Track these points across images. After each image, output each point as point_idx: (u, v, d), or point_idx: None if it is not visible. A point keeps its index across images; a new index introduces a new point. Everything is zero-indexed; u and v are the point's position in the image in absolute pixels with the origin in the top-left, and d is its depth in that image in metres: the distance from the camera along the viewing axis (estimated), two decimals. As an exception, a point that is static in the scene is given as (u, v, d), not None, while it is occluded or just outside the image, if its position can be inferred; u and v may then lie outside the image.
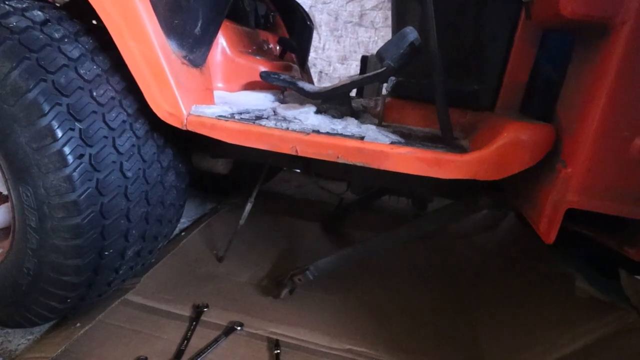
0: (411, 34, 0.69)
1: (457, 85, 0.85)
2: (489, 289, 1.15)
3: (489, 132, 0.69)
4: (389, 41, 0.71)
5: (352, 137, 0.72)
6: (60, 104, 0.69)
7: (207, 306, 0.97)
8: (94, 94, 0.74)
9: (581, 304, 0.86)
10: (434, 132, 0.89)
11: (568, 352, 0.83)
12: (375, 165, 0.68)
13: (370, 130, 0.75)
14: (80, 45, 0.77)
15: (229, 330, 0.91)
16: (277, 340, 0.89)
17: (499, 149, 0.62)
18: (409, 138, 0.78)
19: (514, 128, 0.63)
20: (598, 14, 0.53)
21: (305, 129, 0.74)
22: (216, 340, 0.87)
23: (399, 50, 0.69)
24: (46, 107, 0.67)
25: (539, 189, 0.65)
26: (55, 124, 0.68)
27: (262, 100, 1.04)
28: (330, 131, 0.75)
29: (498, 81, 0.81)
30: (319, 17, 3.15)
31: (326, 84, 3.26)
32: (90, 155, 0.72)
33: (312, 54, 3.13)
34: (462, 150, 0.71)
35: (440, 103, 0.75)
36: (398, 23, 0.91)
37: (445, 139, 0.77)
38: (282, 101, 1.06)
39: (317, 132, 0.74)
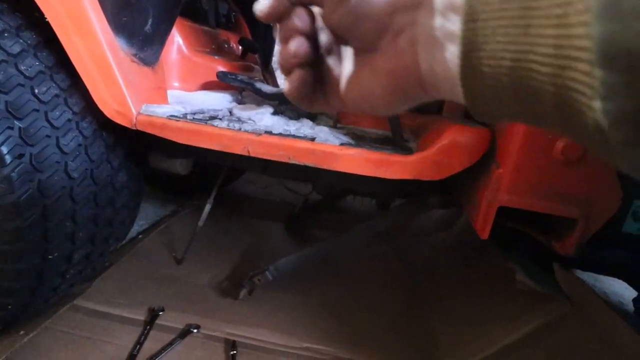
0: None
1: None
2: (443, 284, 1.20)
3: (433, 135, 0.73)
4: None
5: (303, 138, 0.74)
6: (-3, 102, 0.66)
7: (162, 309, 0.95)
8: (36, 91, 0.71)
9: (522, 296, 0.91)
10: (386, 134, 0.92)
11: (512, 340, 0.88)
12: (325, 165, 0.70)
13: (322, 132, 0.77)
14: (21, 40, 0.73)
15: (184, 332, 0.90)
16: (234, 342, 0.89)
17: (439, 150, 0.66)
18: (360, 140, 0.80)
19: (453, 131, 0.67)
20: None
21: (257, 129, 0.75)
22: (171, 344, 0.86)
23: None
24: (-19, 105, 0.64)
25: (476, 188, 0.69)
26: (-10, 122, 0.65)
27: (219, 101, 1.03)
28: (283, 132, 0.76)
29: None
30: (287, 18, 3.16)
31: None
32: (31, 155, 0.69)
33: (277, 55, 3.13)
34: (409, 151, 0.74)
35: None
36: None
37: (395, 141, 0.80)
38: (240, 102, 1.06)
39: (270, 133, 0.75)
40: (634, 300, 1.23)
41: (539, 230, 0.69)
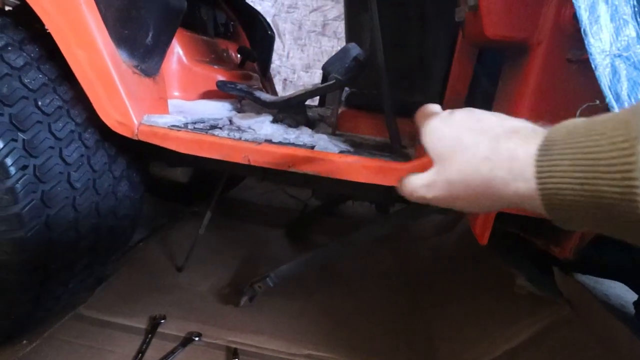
0: (354, 49, 0.73)
1: (405, 96, 0.89)
2: (443, 289, 1.21)
3: (430, 141, 0.73)
4: (333, 56, 0.74)
5: (303, 146, 0.75)
6: (1, 114, 0.67)
7: (164, 317, 0.96)
8: (39, 103, 0.72)
9: (521, 300, 0.92)
10: (384, 140, 0.93)
11: (512, 345, 0.89)
12: (324, 173, 0.71)
13: (321, 140, 0.78)
14: (25, 54, 0.75)
15: (186, 341, 0.90)
16: (235, 349, 0.89)
17: (437, 157, 0.67)
18: (358, 147, 0.81)
19: (450, 137, 0.68)
20: (517, 35, 0.59)
21: (257, 138, 0.76)
22: (173, 352, 0.86)
23: (343, 64, 0.72)
24: (-15, 118, 0.65)
25: (473, 193, 0.70)
26: (-5, 135, 0.66)
27: (219, 110, 1.04)
28: (283, 140, 0.77)
29: (440, 93, 0.86)
30: (283, 26, 3.18)
31: (291, 91, 3.28)
32: (34, 166, 0.70)
33: (276, 62, 3.15)
34: (407, 158, 0.75)
35: (388, 113, 0.79)
36: (350, 37, 0.95)
37: (393, 148, 0.81)
38: (239, 110, 1.07)
39: (270, 141, 0.76)
40: (635, 303, 1.23)
41: (537, 235, 0.70)
